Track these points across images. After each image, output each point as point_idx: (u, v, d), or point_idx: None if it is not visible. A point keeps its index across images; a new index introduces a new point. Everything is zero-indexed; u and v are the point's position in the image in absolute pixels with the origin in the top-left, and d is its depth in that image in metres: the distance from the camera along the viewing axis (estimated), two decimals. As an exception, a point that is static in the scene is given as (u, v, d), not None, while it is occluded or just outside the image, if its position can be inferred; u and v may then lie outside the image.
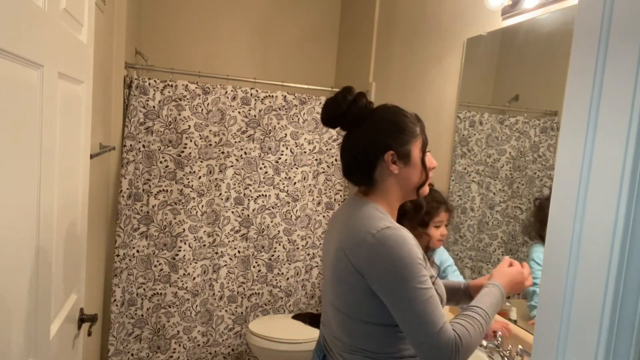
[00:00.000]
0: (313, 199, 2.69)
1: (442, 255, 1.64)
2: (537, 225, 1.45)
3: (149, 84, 2.29)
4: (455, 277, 1.62)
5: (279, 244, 2.64)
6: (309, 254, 2.72)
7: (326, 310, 1.06)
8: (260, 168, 2.56)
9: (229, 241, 2.53)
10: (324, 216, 2.74)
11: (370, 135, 1.00)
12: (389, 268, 0.87)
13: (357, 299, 0.94)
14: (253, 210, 2.56)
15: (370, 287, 0.91)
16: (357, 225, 0.95)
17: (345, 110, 0.99)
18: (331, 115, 1.01)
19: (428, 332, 0.85)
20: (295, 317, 2.48)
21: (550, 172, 1.38)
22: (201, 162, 2.43)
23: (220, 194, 2.48)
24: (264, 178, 2.57)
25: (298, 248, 2.68)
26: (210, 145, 2.44)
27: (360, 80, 2.85)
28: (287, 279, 2.68)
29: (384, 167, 0.99)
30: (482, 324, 0.92)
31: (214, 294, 2.52)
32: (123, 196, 2.27)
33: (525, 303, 1.46)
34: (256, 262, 2.61)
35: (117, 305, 2.29)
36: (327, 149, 2.70)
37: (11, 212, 0.68)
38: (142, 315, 2.39)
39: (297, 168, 2.63)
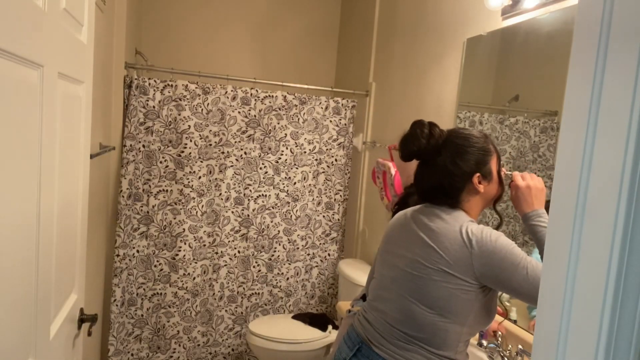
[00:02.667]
0: (313, 199, 2.69)
1: None
2: None
3: (149, 84, 2.29)
4: None
5: (279, 244, 2.64)
6: (309, 254, 2.72)
7: (390, 300, 1.10)
8: (260, 168, 2.56)
9: (229, 241, 2.53)
10: (324, 216, 2.74)
11: (456, 163, 1.07)
12: (500, 259, 0.96)
13: (450, 295, 1.00)
14: (253, 210, 2.56)
15: (470, 286, 0.99)
16: (454, 226, 1.02)
17: (425, 144, 1.07)
18: (412, 151, 1.08)
19: None
20: (295, 317, 2.48)
21: (550, 172, 1.38)
22: (201, 162, 2.43)
23: (220, 194, 2.48)
24: (264, 178, 2.57)
25: (298, 248, 2.68)
26: (210, 145, 2.44)
27: (360, 80, 2.85)
28: (287, 279, 2.68)
29: (471, 188, 1.08)
30: None
31: (214, 294, 2.52)
32: (123, 196, 2.27)
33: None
34: (256, 262, 2.61)
35: (117, 305, 2.29)
36: (327, 149, 2.70)
37: (11, 212, 0.68)
38: (142, 315, 2.39)
39: (297, 168, 2.63)
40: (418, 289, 1.03)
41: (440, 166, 1.08)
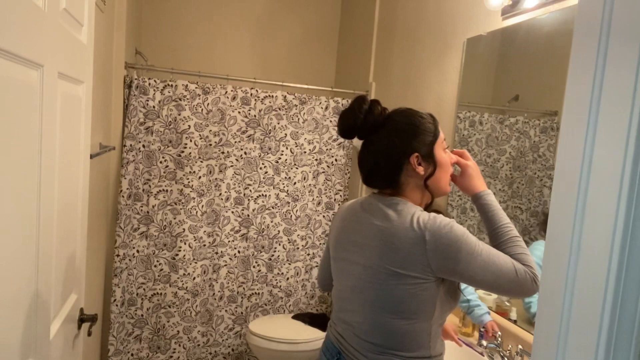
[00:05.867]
0: (313, 199, 2.69)
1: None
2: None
3: (149, 84, 2.29)
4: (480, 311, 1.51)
5: (279, 244, 2.64)
6: (309, 254, 2.72)
7: (353, 312, 1.05)
8: (260, 168, 2.56)
9: (229, 241, 2.53)
10: (324, 216, 2.74)
11: (392, 140, 1.01)
12: (456, 250, 0.92)
13: (410, 296, 0.95)
14: (253, 210, 2.56)
15: (427, 282, 0.94)
16: (404, 222, 0.96)
17: (362, 120, 1.01)
18: (348, 126, 1.03)
19: (510, 281, 0.93)
20: (295, 317, 2.48)
21: (550, 172, 1.39)
22: (201, 162, 2.43)
23: (220, 194, 2.48)
24: (264, 178, 2.57)
25: (298, 248, 2.68)
26: (210, 145, 2.44)
27: (360, 80, 2.85)
28: (287, 279, 2.68)
29: (409, 169, 1.01)
30: (519, 236, 1.02)
31: (214, 294, 2.52)
32: (123, 196, 2.27)
33: (523, 303, 1.46)
34: (256, 262, 2.61)
35: (117, 305, 2.29)
36: (327, 149, 2.70)
37: (11, 212, 0.68)
38: (142, 315, 2.39)
39: (297, 168, 2.63)
40: (377, 297, 0.99)
41: (378, 144, 1.02)
